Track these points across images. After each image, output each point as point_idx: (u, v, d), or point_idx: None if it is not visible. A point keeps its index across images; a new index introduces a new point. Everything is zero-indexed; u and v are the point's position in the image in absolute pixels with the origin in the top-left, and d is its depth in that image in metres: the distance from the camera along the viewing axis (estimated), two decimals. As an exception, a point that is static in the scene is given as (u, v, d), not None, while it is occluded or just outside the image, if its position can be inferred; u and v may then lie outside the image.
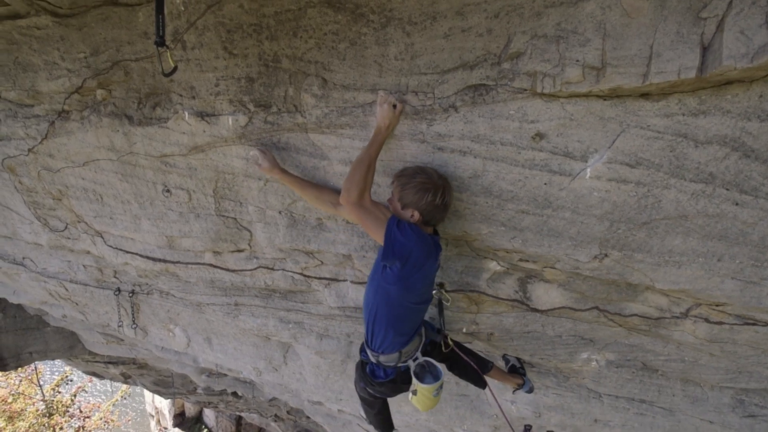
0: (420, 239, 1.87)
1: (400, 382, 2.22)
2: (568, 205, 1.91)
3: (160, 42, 1.67)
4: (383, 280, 1.94)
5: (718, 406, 2.72)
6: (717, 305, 2.09)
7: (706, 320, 2.19)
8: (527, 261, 2.24)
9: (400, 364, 2.19)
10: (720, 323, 2.16)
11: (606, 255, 2.02)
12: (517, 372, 2.95)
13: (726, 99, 1.52)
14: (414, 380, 2.16)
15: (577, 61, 1.58)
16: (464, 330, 2.78)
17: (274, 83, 2.10)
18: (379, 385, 2.27)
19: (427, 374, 2.18)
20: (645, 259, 1.97)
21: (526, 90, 1.72)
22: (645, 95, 1.59)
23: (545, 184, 1.88)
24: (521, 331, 2.68)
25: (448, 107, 1.85)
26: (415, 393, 2.18)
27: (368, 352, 2.23)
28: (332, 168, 2.21)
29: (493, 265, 2.38)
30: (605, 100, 1.65)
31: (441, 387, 2.19)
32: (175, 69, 1.77)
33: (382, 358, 2.17)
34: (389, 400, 2.61)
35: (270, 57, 2.03)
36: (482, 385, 2.78)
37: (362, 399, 2.54)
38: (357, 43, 1.87)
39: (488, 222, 2.08)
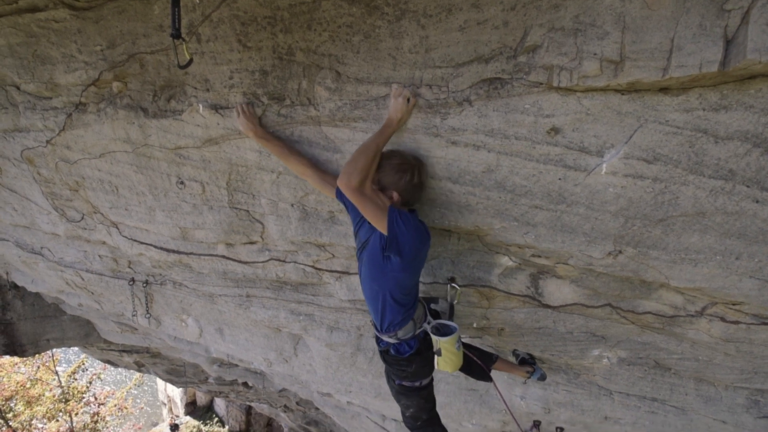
0: (416, 228, 1.94)
1: (424, 349, 2.29)
2: (583, 200, 1.89)
3: (176, 34, 1.68)
4: (389, 268, 1.99)
5: (731, 406, 2.69)
6: (734, 304, 2.05)
7: (722, 319, 2.15)
8: (540, 257, 2.22)
9: (417, 331, 2.27)
10: (736, 322, 2.13)
11: (620, 251, 2.00)
12: (526, 363, 2.95)
13: (749, 94, 1.48)
14: (434, 337, 2.25)
15: (595, 54, 1.55)
16: (475, 325, 2.78)
17: (287, 76, 2.10)
18: (408, 363, 2.32)
19: (442, 335, 2.29)
20: (660, 256, 1.94)
21: (541, 84, 1.70)
22: (664, 90, 1.56)
23: (560, 179, 1.86)
24: (532, 326, 2.67)
25: (462, 101, 1.83)
26: (439, 353, 2.26)
27: (384, 337, 2.27)
28: (345, 161, 2.20)
29: (505, 261, 2.37)
30: (623, 94, 1.62)
31: (459, 339, 2.31)
32: (190, 62, 1.78)
33: (401, 333, 2.23)
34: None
35: (284, 50, 2.03)
36: (487, 378, 2.79)
37: (401, 397, 2.54)
38: (371, 36, 1.86)
39: (501, 217, 2.07)
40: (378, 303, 2.13)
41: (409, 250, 1.94)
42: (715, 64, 1.39)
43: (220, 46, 2.11)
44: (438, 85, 1.86)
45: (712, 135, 1.58)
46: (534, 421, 3.40)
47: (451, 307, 2.54)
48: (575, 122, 1.73)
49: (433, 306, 2.45)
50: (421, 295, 2.49)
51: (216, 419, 16.30)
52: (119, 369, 10.44)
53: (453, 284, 2.49)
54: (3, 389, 10.32)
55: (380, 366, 3.60)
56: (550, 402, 3.24)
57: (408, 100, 1.88)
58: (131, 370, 9.05)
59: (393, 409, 4.11)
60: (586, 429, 3.30)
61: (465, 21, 1.70)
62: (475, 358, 2.64)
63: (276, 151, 2.25)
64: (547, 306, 2.50)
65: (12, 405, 10.64)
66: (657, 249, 1.93)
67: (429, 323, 2.32)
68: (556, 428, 3.40)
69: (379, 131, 1.91)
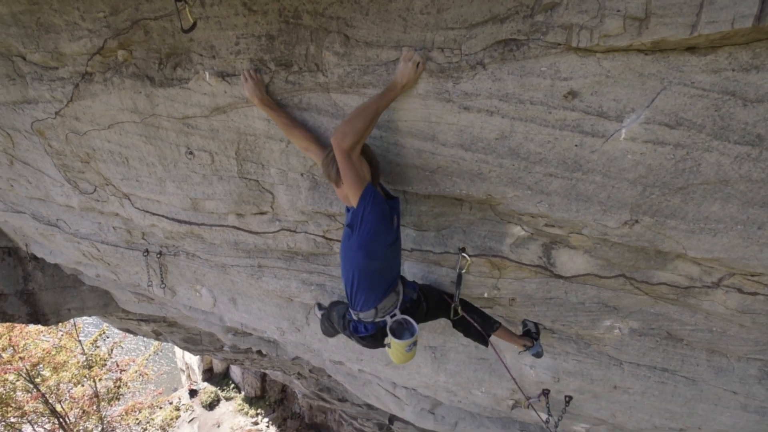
0: (383, 215, 1.92)
1: (380, 337, 2.29)
2: (600, 168, 1.83)
3: (179, -4, 1.62)
4: (350, 246, 2.00)
5: (743, 377, 2.67)
6: (752, 275, 2.00)
7: (739, 290, 2.11)
8: (553, 226, 2.18)
9: (377, 320, 2.24)
10: (754, 294, 2.08)
11: (637, 221, 1.95)
12: (530, 336, 2.94)
13: (783, 52, 1.39)
14: (389, 335, 2.21)
15: (618, 11, 1.46)
16: (486, 295, 2.77)
17: (294, 41, 2.03)
18: (360, 340, 2.36)
19: (405, 331, 2.24)
20: (679, 225, 1.89)
21: (559, 44, 1.62)
22: (691, 49, 1.48)
23: (576, 145, 1.80)
24: (543, 297, 2.66)
25: (475, 64, 1.76)
26: (389, 346, 2.25)
27: (350, 311, 2.30)
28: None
29: (517, 230, 2.33)
30: (646, 54, 1.53)
31: (415, 343, 2.25)
32: (194, 25, 1.73)
33: (362, 315, 2.24)
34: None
35: (290, 13, 1.96)
36: (485, 343, 2.80)
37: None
38: (380, -4, 1.78)
39: (514, 185, 2.02)
40: (347, 280, 2.15)
41: (367, 231, 1.91)
42: (750, 18, 1.30)
43: (224, 9, 2.04)
44: (450, 47, 1.78)
45: (741, 97, 1.50)
46: (543, 390, 3.44)
47: (459, 276, 2.53)
48: (594, 85, 1.65)
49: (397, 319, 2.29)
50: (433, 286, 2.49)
51: (232, 385, 16.90)
52: (138, 337, 10.80)
53: (464, 254, 2.47)
54: (30, 356, 10.77)
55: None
56: (559, 371, 3.26)
57: (417, 65, 1.81)
58: (150, 339, 9.35)
59: (403, 377, 4.19)
60: (595, 398, 3.33)
61: (479, -22, 1.61)
62: (474, 323, 2.65)
63: (280, 122, 2.21)
64: (559, 276, 2.48)
65: (40, 370, 11.13)
66: (675, 218, 1.88)
67: (393, 316, 2.24)
68: (565, 397, 3.44)
69: (382, 93, 1.86)
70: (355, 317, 2.30)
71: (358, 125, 1.78)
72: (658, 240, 1.99)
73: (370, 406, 8.05)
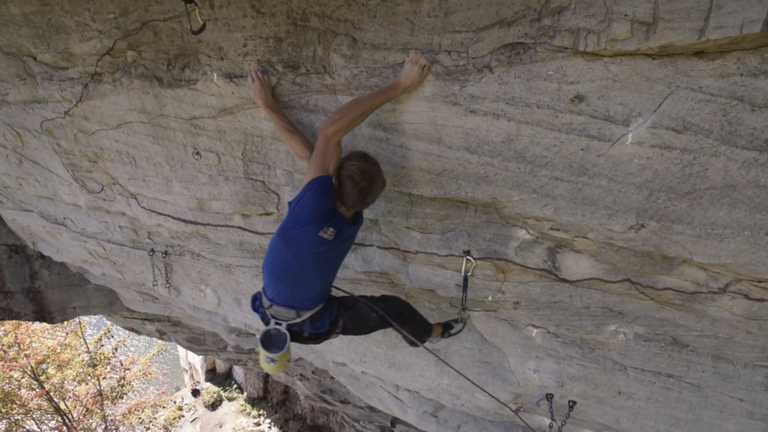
0: (320, 212, 1.88)
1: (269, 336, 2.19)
2: (606, 172, 1.83)
3: (188, -2, 1.64)
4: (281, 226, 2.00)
5: (750, 384, 2.65)
6: (760, 281, 1.99)
7: (746, 296, 2.09)
8: (558, 230, 2.18)
9: (268, 318, 2.18)
10: (761, 300, 2.07)
11: (643, 225, 1.94)
12: (448, 327, 2.92)
13: (792, 57, 1.39)
14: (258, 341, 2.15)
15: (626, 15, 1.46)
16: (490, 298, 2.77)
17: (302, 43, 2.04)
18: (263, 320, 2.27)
19: (276, 343, 2.13)
20: (685, 230, 1.88)
21: (567, 48, 1.62)
22: (699, 53, 1.47)
23: (582, 149, 1.80)
24: (548, 300, 2.65)
25: (482, 67, 1.77)
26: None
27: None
28: (361, 131, 2.17)
29: (522, 234, 2.33)
30: (654, 59, 1.53)
31: (273, 360, 2.12)
32: (203, 27, 1.74)
33: (264, 301, 2.19)
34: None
35: (298, 15, 1.97)
36: (415, 345, 2.75)
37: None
38: (388, 0, 1.79)
39: (519, 188, 2.02)
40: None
41: (295, 215, 1.89)
42: (758, 23, 1.30)
43: (233, 11, 2.06)
44: (457, 50, 1.79)
45: (749, 102, 1.49)
46: (546, 395, 3.42)
47: (465, 279, 2.53)
48: (601, 89, 1.65)
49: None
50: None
51: (235, 386, 16.92)
52: (142, 336, 10.85)
53: (468, 257, 2.47)
54: (35, 353, 10.84)
55: (394, 337, 3.65)
56: (563, 376, 3.24)
57: (423, 68, 1.82)
58: (154, 338, 9.39)
59: (406, 379, 4.18)
60: (599, 403, 3.31)
61: (487, -19, 1.62)
62: (406, 335, 2.57)
63: (280, 125, 2.19)
64: (564, 280, 2.47)
65: (44, 368, 11.20)
66: (682, 223, 1.87)
67: (277, 325, 2.15)
68: (569, 402, 3.42)
69: (382, 91, 1.87)
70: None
71: (350, 116, 1.81)
72: (664, 245, 1.98)
73: (372, 409, 8.03)
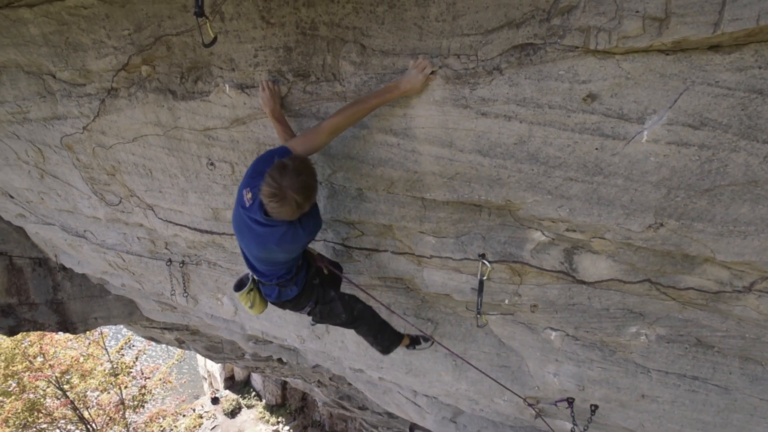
0: (251, 174, 2.02)
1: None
2: (621, 171, 1.80)
3: (200, 12, 1.67)
4: None
5: (780, 385, 2.56)
6: (787, 278, 1.93)
7: (773, 294, 2.03)
8: (574, 231, 2.15)
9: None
10: (789, 298, 2.00)
11: (661, 224, 1.90)
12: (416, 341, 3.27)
13: (812, 48, 1.35)
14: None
15: (637, 12, 1.44)
16: (507, 301, 2.74)
17: (312, 52, 2.06)
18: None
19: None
20: (706, 228, 1.84)
21: (577, 48, 1.60)
22: (714, 47, 1.44)
23: (596, 149, 1.77)
24: (566, 303, 2.61)
25: (492, 70, 1.76)
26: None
27: None
28: (372, 137, 2.17)
29: (538, 236, 2.30)
30: (667, 54, 1.51)
31: (252, 306, 2.55)
32: (214, 40, 1.77)
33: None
34: None
35: (307, 24, 1.99)
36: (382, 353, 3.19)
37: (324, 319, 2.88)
38: (396, 6, 1.80)
39: (533, 190, 2.00)
40: None
41: (244, 178, 2.05)
42: (775, 15, 1.26)
43: (243, 23, 2.09)
44: (466, 54, 1.78)
45: (769, 95, 1.45)
46: (567, 399, 3.36)
47: (481, 283, 2.51)
48: (614, 87, 1.62)
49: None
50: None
51: (253, 393, 17.03)
52: (162, 345, 11.01)
53: (484, 260, 2.45)
54: (60, 363, 11.10)
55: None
56: (584, 379, 3.18)
57: (426, 76, 1.83)
58: (173, 347, 9.52)
59: (424, 385, 4.15)
60: (622, 407, 3.23)
61: (494, -17, 1.62)
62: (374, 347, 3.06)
63: (283, 137, 2.21)
64: (582, 282, 2.43)
65: (68, 378, 11.45)
66: (702, 221, 1.82)
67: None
68: (591, 406, 3.35)
69: (379, 92, 1.89)
70: None
71: (348, 118, 1.91)
72: (684, 244, 1.94)
73: (390, 415, 8.00)
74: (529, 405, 3.47)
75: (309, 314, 2.69)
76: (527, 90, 1.74)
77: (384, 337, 3.05)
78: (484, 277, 2.47)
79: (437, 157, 2.08)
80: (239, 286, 2.52)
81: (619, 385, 3.05)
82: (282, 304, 2.57)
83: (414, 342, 3.25)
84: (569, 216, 2.03)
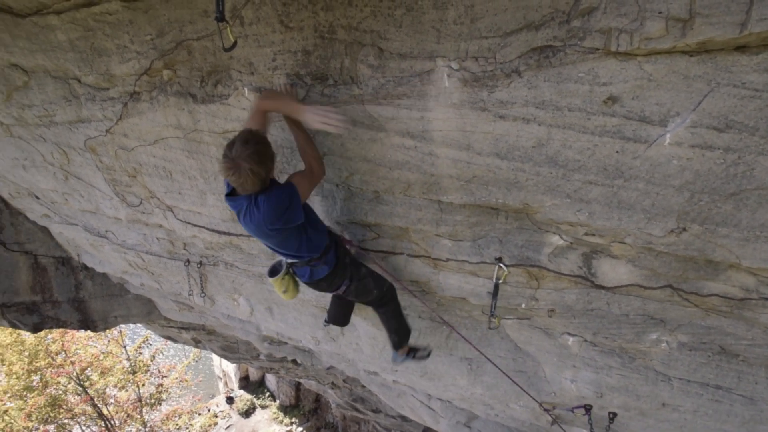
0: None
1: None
2: (643, 174, 1.77)
3: (220, 17, 1.70)
4: None
5: (809, 396, 2.48)
6: (816, 286, 1.87)
7: (802, 302, 1.97)
8: (593, 235, 2.12)
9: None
10: (819, 306, 1.94)
11: (684, 229, 1.86)
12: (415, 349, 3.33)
13: (844, 48, 1.31)
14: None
15: (660, 12, 1.42)
16: (523, 306, 2.71)
17: (330, 55, 2.08)
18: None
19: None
20: (731, 233, 1.79)
21: (598, 49, 1.59)
22: (741, 48, 1.41)
23: (617, 152, 1.75)
24: (584, 308, 2.57)
25: (510, 72, 1.75)
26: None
27: None
28: (390, 140, 2.18)
29: (556, 239, 2.28)
30: (691, 56, 1.48)
31: (282, 279, 2.64)
32: (234, 44, 1.80)
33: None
34: None
35: (325, 28, 2.01)
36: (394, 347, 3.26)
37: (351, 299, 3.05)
38: (414, 9, 1.80)
39: (552, 193, 1.98)
40: None
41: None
42: (806, 14, 1.23)
43: (262, 28, 2.12)
44: (485, 56, 1.77)
45: (798, 97, 1.41)
46: (585, 405, 3.31)
47: (496, 287, 2.49)
48: (635, 90, 1.60)
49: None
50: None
51: (267, 394, 17.13)
52: (178, 344, 11.17)
53: (500, 264, 2.43)
54: (80, 360, 11.36)
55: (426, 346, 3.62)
56: (602, 386, 3.12)
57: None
58: (189, 346, 9.65)
59: (438, 388, 4.13)
60: (642, 415, 3.16)
61: (513, -14, 1.61)
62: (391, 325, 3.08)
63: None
64: (601, 287, 2.39)
65: (88, 374, 11.70)
66: (727, 226, 1.78)
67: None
68: (609, 413, 3.28)
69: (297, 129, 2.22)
70: None
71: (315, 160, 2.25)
72: (708, 249, 1.89)
73: (404, 418, 7.97)
74: (546, 411, 3.42)
75: (344, 293, 2.74)
76: (546, 92, 1.72)
77: (403, 325, 3.11)
78: (500, 281, 2.45)
79: (454, 160, 2.07)
80: (273, 273, 2.62)
81: (639, 393, 2.99)
82: (316, 284, 2.63)
83: (414, 350, 3.34)
84: (588, 220, 2.00)
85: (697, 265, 2.06)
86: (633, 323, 2.52)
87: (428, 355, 3.38)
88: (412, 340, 3.28)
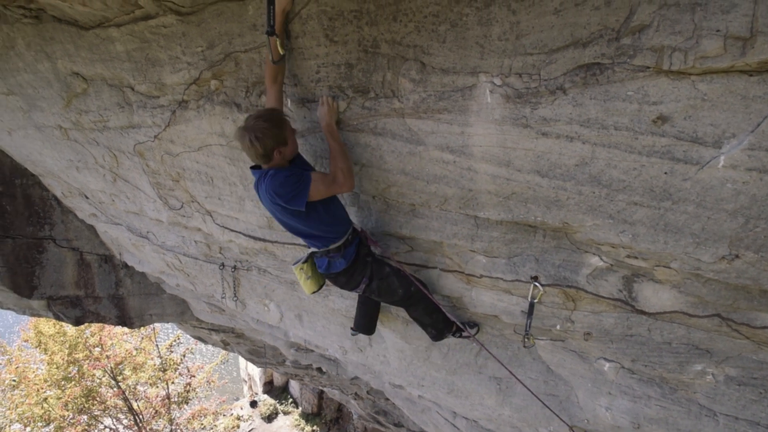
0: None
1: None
2: (693, 197, 1.69)
3: (271, 31, 1.76)
4: None
5: None
6: None
7: None
8: (636, 258, 2.04)
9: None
10: None
11: (737, 256, 1.76)
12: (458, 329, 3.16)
13: None
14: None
15: (718, 30, 1.37)
16: (558, 327, 2.63)
17: (372, 69, 2.12)
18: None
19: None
20: (790, 263, 1.68)
21: (648, 68, 1.54)
22: (806, 69, 1.34)
23: (666, 173, 1.68)
24: (623, 333, 2.46)
25: (555, 89, 1.72)
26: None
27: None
28: (428, 153, 2.18)
29: (595, 261, 2.20)
30: (751, 75, 1.41)
31: (302, 270, 2.70)
32: (282, 57, 1.86)
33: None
34: None
35: (369, 42, 2.05)
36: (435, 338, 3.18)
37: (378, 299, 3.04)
38: (458, 25, 1.81)
39: (594, 213, 1.92)
40: None
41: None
42: None
43: (308, 41, 2.18)
44: (529, 73, 1.76)
45: None
46: (620, 436, 3.15)
47: (531, 306, 2.43)
48: (688, 109, 1.54)
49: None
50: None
51: (290, 400, 17.22)
52: (208, 346, 11.43)
53: (536, 283, 2.37)
54: (115, 355, 11.80)
55: (454, 362, 3.56)
56: (640, 416, 2.97)
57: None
58: (218, 348, 9.85)
59: (465, 407, 4.04)
60: (682, 450, 2.99)
61: (561, 3, 1.59)
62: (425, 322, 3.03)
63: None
64: (642, 312, 2.29)
65: (121, 369, 12.13)
66: (785, 255, 1.68)
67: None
68: (646, 446, 3.12)
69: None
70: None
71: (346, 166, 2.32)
72: (763, 278, 1.79)
73: (426, 434, 7.81)
74: None
75: (365, 291, 2.74)
76: (592, 110, 1.69)
77: (439, 319, 3.00)
78: (536, 300, 2.39)
79: (494, 176, 2.05)
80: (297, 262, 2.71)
81: (680, 427, 2.83)
82: (335, 278, 2.68)
83: (459, 330, 3.17)
84: (632, 242, 1.93)
85: (750, 294, 1.94)
86: (676, 352, 2.40)
87: (476, 332, 3.15)
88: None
